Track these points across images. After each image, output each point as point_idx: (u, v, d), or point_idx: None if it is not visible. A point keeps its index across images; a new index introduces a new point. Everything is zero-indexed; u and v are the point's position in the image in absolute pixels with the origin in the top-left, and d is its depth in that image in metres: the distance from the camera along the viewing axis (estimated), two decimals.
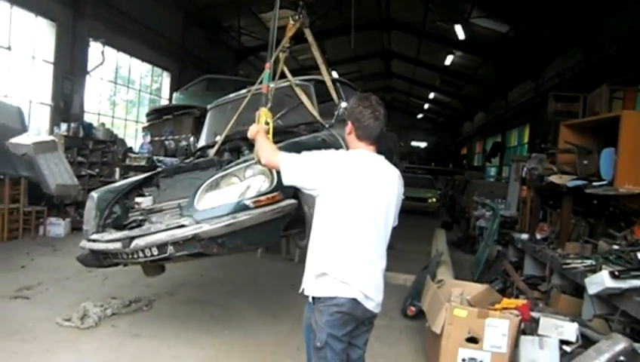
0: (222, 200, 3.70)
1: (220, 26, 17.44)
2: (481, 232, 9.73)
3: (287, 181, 2.71)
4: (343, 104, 4.87)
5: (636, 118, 5.33)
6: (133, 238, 3.85)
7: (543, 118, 18.07)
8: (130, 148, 12.54)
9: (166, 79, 16.11)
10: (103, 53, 11.66)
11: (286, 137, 4.57)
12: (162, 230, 3.75)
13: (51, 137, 9.25)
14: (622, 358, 3.82)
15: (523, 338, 4.20)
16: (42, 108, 11.01)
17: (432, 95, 31.34)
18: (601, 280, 4.04)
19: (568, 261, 5.39)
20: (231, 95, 6.17)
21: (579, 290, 5.36)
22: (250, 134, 3.13)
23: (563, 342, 4.23)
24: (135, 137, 14.58)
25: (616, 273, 3.93)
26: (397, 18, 20.01)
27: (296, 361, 4.07)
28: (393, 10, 19.41)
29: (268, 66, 4.17)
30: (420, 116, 39.33)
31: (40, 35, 10.73)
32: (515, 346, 4.04)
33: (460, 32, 16.96)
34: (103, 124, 11.68)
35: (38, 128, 10.83)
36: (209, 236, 3.57)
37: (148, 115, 13.48)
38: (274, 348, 4.44)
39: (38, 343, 4.14)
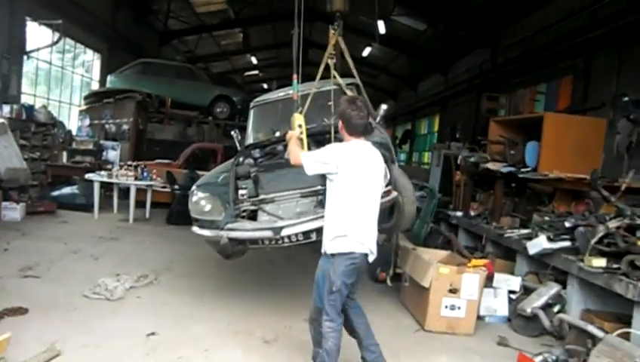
0: None
1: (149, 8, 17.21)
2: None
3: (309, 172, 3.63)
4: (384, 106, 5.74)
5: (555, 118, 6.79)
6: (282, 227, 4.41)
7: (453, 109, 20.20)
8: (70, 131, 12.30)
9: (96, 61, 15.67)
10: (60, 33, 11.14)
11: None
12: (309, 220, 4.35)
13: (1, 120, 9.04)
14: (550, 301, 5.18)
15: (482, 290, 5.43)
16: None
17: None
18: (539, 243, 5.34)
19: (503, 232, 6.76)
20: (280, 93, 6.58)
21: (509, 255, 6.75)
22: (287, 139, 4.05)
23: (510, 292, 5.54)
24: (68, 119, 14.14)
25: (551, 237, 5.24)
26: (322, 10, 20.88)
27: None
28: (318, 3, 20.25)
29: (294, 77, 5.01)
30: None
31: None
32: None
33: (381, 27, 18.28)
34: (44, 106, 11.38)
35: None
36: None
37: (86, 97, 13.25)
38: (287, 305, 5.26)
39: (82, 313, 4.62)
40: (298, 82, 5.17)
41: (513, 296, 5.52)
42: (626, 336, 4.20)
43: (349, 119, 3.52)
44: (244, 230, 4.64)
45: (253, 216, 4.97)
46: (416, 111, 25.28)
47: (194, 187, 5.08)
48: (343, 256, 3.38)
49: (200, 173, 10.61)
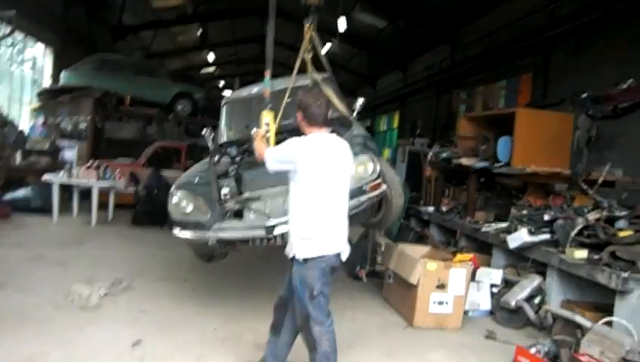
0: None
1: (102, 1, 16.49)
2: None
3: (270, 169, 3.47)
4: (361, 99, 5.65)
5: (527, 114, 6.94)
6: (274, 226, 4.22)
7: (412, 106, 20.48)
8: (22, 131, 11.59)
9: (48, 56, 14.86)
10: (13, 25, 10.37)
11: None
12: None
13: None
14: (532, 293, 5.28)
15: None
16: None
17: None
18: (520, 237, 5.43)
19: (479, 226, 6.86)
20: (254, 89, 6.37)
21: (483, 248, 6.86)
22: (253, 137, 3.88)
23: (491, 286, 5.61)
24: (19, 117, 13.32)
25: (532, 230, 5.34)
26: (282, 7, 20.70)
27: None
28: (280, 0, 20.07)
29: (267, 73, 4.91)
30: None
31: None
32: None
33: (342, 24, 18.28)
34: None
35: None
36: None
37: (39, 94, 12.55)
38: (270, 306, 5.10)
39: (57, 324, 4.32)
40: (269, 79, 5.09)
41: (495, 289, 5.60)
42: (608, 325, 4.33)
43: (307, 108, 3.34)
44: (235, 230, 4.45)
45: (237, 215, 4.78)
46: (376, 108, 25.45)
47: (173, 188, 4.84)
48: (316, 259, 3.22)
49: (164, 172, 10.33)
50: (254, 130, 4.07)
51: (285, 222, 4.21)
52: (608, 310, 4.65)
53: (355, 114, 5.71)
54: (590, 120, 9.35)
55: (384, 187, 4.57)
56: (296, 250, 3.27)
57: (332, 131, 5.72)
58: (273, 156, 3.39)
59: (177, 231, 4.62)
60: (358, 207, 4.32)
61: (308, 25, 5.62)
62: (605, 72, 9.22)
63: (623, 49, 8.90)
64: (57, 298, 4.91)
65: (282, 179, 4.66)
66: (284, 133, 5.67)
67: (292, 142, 3.34)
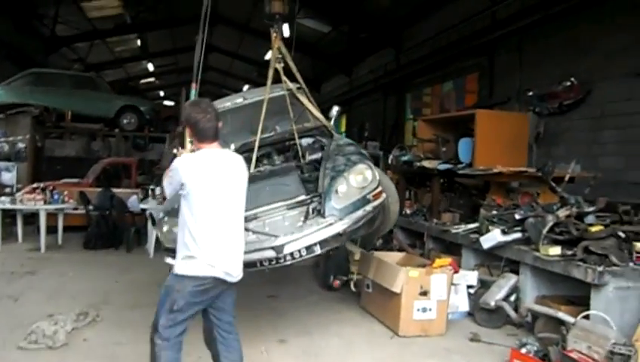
0: (350, 197, 4.26)
1: (34, 13, 15.56)
2: None
3: (166, 194, 3.34)
4: (336, 107, 5.56)
5: (486, 115, 7.12)
6: (283, 245, 4.05)
7: (359, 109, 20.71)
8: None
9: None
10: None
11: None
12: (313, 232, 4.09)
13: None
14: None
15: None
16: None
17: (246, 87, 32.30)
18: (494, 237, 5.53)
19: (447, 228, 6.95)
20: (237, 99, 6.14)
21: (450, 250, 6.96)
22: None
23: (468, 287, 5.69)
24: None
25: (505, 230, 5.46)
26: (223, 14, 20.34)
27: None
28: (220, 6, 19.70)
29: (195, 86, 4.77)
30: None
31: None
32: None
33: (285, 30, 18.20)
34: None
35: None
36: (351, 230, 4.19)
37: None
38: (256, 325, 4.94)
39: None
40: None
41: (471, 291, 5.68)
42: (586, 318, 4.47)
43: (195, 124, 3.08)
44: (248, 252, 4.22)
45: None
46: (321, 112, 25.53)
47: (161, 214, 4.52)
48: (191, 278, 2.99)
49: (115, 190, 9.85)
50: (179, 150, 3.89)
51: (295, 240, 4.13)
52: (581, 302, 4.82)
53: (332, 121, 5.68)
54: (537, 117, 9.79)
55: (384, 195, 4.53)
56: (177, 265, 3.07)
57: (314, 141, 5.67)
58: (166, 180, 3.12)
59: (170, 260, 4.29)
60: (365, 217, 4.26)
61: (275, 35, 5.54)
62: (547, 71, 9.68)
63: (562, 48, 9.37)
64: (18, 338, 4.49)
65: (277, 195, 4.55)
66: (266, 147, 5.54)
67: (178, 160, 3.09)
